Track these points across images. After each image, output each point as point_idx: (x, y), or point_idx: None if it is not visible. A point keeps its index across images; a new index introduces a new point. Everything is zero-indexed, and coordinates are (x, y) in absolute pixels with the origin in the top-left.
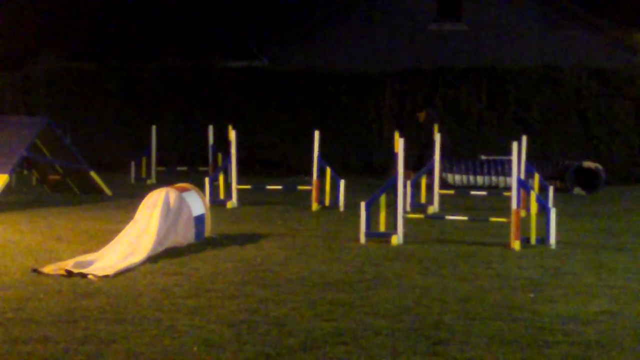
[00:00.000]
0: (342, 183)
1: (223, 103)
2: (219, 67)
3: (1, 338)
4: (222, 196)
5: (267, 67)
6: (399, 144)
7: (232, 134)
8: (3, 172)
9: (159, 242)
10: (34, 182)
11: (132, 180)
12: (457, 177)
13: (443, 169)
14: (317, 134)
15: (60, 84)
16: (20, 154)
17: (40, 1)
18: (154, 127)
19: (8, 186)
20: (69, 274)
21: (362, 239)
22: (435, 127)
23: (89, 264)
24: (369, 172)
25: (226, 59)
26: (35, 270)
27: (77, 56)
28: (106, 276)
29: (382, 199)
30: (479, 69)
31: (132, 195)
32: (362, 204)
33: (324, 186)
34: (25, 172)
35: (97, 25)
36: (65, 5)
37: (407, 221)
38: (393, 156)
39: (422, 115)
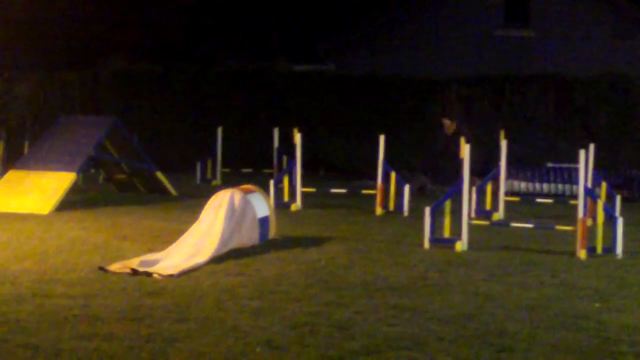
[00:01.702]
0: (406, 188)
1: (289, 106)
2: (285, 71)
3: (67, 334)
4: (286, 199)
5: (333, 71)
6: (465, 150)
7: (298, 137)
8: (71, 170)
9: (223, 242)
10: (100, 181)
11: (198, 181)
12: (523, 185)
13: (509, 176)
14: (382, 138)
15: (127, 85)
16: (87, 153)
17: (110, 3)
18: (219, 129)
19: (75, 185)
20: (134, 272)
21: (426, 244)
22: (502, 134)
23: (154, 263)
24: (434, 178)
25: (293, 62)
26: (101, 268)
27: (144, 57)
28: (171, 275)
29: (447, 204)
30: (547, 76)
31: (197, 196)
32: (427, 210)
33: (389, 191)
34: (93, 171)
35: (164, 27)
36: (134, 7)
37: (471, 227)
38: (458, 162)
39: (448, 124)
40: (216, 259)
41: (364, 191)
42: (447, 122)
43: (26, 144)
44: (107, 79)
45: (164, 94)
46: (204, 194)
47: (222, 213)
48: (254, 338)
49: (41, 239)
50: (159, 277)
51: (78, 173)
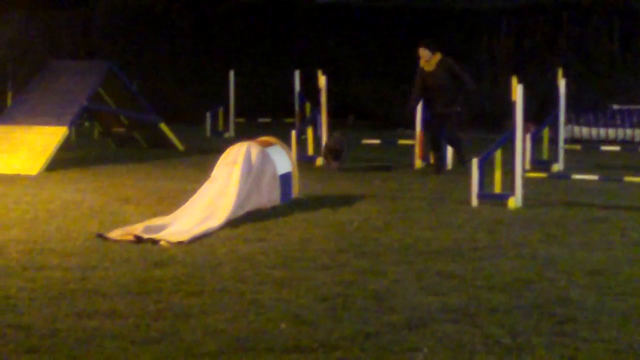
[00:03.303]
0: None
1: (311, 44)
2: (307, 2)
3: (64, 312)
4: (310, 152)
5: (362, 1)
6: (517, 92)
7: (322, 80)
8: (62, 124)
9: (239, 204)
10: (96, 135)
11: (208, 134)
12: (585, 130)
13: (568, 121)
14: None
15: (124, 24)
16: (80, 103)
17: None
18: (232, 73)
19: (67, 140)
20: (138, 239)
21: (474, 201)
22: (559, 72)
23: (160, 228)
24: (481, 125)
25: None
26: (100, 236)
27: None
28: (180, 242)
29: (498, 155)
30: (612, 3)
31: (207, 151)
32: (474, 161)
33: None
34: (87, 124)
35: None
36: None
37: (526, 181)
38: (510, 106)
39: (427, 56)
40: (232, 223)
41: (401, 141)
42: (425, 52)
43: (9, 94)
44: (101, 17)
45: (167, 32)
46: (215, 148)
47: (237, 170)
48: (278, 312)
49: (30, 204)
50: (167, 245)
51: (70, 127)
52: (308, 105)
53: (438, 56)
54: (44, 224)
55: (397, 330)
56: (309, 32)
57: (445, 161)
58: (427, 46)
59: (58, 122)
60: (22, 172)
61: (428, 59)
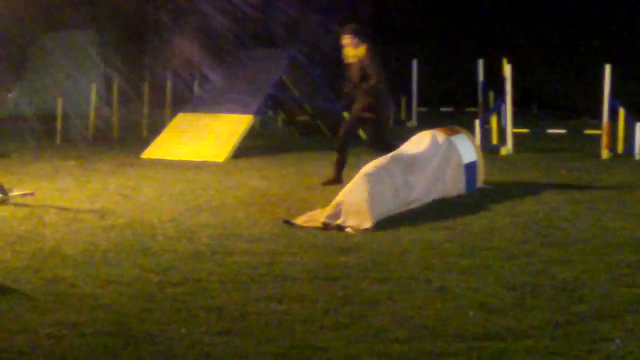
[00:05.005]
0: (638, 126)
1: (494, 33)
2: None
3: (254, 295)
4: (494, 141)
5: None
6: None
7: (507, 69)
8: (247, 112)
9: (428, 189)
10: (280, 123)
11: (391, 123)
12: None
13: None
14: (607, 68)
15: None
16: (265, 92)
17: None
18: (415, 62)
19: (252, 128)
20: (325, 226)
21: None
22: None
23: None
24: None
25: None
26: (286, 222)
27: None
28: (366, 229)
29: None
30: None
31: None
32: None
33: (616, 130)
34: (271, 112)
35: None
36: None
37: None
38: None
39: (351, 44)
40: (417, 211)
41: (587, 131)
42: (350, 40)
43: (195, 82)
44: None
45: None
46: (397, 136)
47: (424, 147)
48: (466, 300)
49: (218, 190)
50: (353, 232)
51: (255, 115)
52: (491, 95)
53: (362, 49)
54: (231, 210)
55: (588, 320)
56: (491, 20)
57: (341, 169)
58: (355, 33)
59: (244, 111)
60: (209, 159)
61: (354, 47)
